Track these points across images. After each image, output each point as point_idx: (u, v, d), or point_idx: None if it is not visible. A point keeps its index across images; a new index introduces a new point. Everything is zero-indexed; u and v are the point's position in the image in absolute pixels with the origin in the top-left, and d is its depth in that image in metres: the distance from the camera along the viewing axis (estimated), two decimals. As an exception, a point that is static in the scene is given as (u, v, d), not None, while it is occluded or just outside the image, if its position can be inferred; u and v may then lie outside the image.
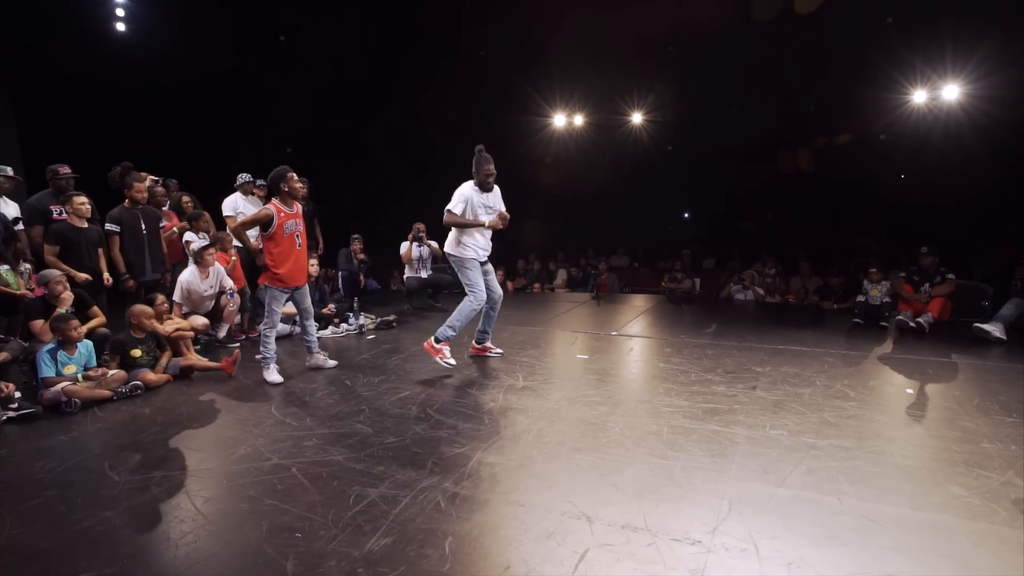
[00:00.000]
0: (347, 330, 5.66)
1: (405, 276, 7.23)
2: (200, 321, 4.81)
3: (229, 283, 5.10)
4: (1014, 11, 6.43)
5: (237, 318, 5.35)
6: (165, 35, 7.87)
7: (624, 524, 2.07)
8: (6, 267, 3.92)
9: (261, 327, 4.08)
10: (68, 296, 3.88)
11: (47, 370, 3.51)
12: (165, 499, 2.33)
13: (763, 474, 2.46)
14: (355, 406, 3.42)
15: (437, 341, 4.20)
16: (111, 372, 3.70)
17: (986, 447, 2.71)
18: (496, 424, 3.10)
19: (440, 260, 6.14)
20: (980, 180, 7.28)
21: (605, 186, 10.15)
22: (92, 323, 4.00)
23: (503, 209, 4.31)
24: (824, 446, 2.73)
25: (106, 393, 3.56)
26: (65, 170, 4.60)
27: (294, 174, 3.99)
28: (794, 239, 9.10)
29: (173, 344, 4.26)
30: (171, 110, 8.34)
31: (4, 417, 3.15)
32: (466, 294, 4.25)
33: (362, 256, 7.13)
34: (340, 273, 7.05)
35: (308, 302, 4.22)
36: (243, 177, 5.99)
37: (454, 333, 4.22)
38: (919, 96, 7.77)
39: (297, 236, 4.01)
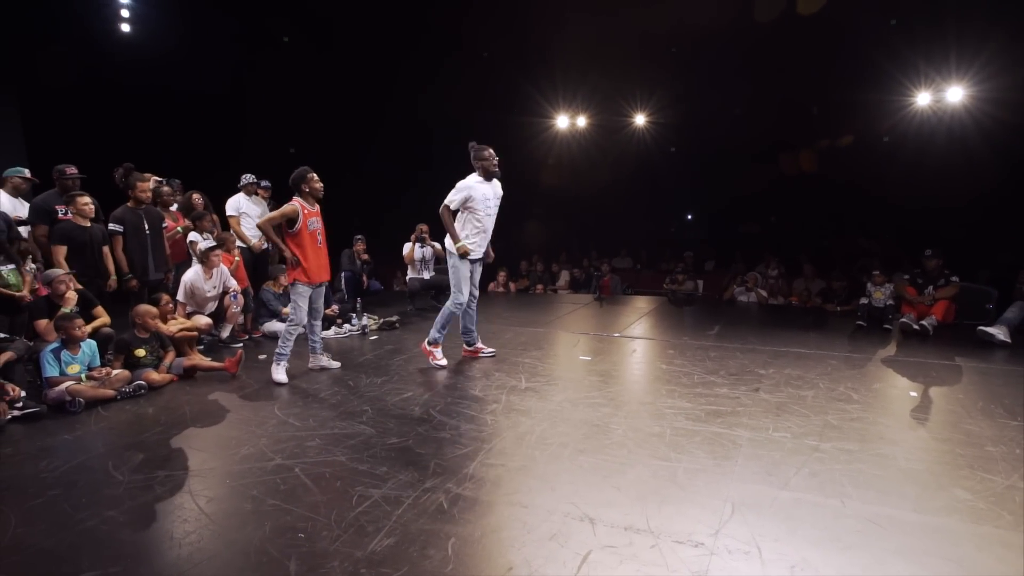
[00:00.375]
0: (350, 331, 5.67)
1: (408, 277, 7.25)
2: (203, 321, 4.83)
3: (233, 283, 5.11)
4: (1018, 13, 6.40)
5: (240, 318, 5.36)
6: (169, 36, 7.92)
7: (627, 526, 2.07)
8: (9, 267, 3.93)
9: (286, 324, 4.13)
10: (72, 295, 3.89)
11: (51, 369, 3.52)
12: (168, 499, 2.34)
13: (766, 476, 2.45)
14: (358, 407, 3.43)
15: (429, 344, 4.36)
16: (115, 372, 3.71)
17: (990, 450, 2.70)
18: (499, 425, 3.10)
19: (443, 261, 6.14)
20: (984, 182, 7.25)
21: (608, 187, 10.15)
22: (96, 323, 4.00)
23: (500, 195, 4.34)
24: (827, 449, 2.72)
25: (110, 393, 3.57)
26: (72, 170, 4.63)
27: (315, 175, 4.10)
28: (797, 241, 9.08)
29: (177, 344, 4.27)
30: (175, 110, 8.38)
31: (9, 416, 3.16)
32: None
33: (365, 257, 7.15)
34: (343, 274, 7.05)
35: (321, 302, 4.30)
36: (247, 178, 6.01)
37: (440, 335, 4.37)
38: (923, 98, 7.76)
39: (318, 234, 4.12)
